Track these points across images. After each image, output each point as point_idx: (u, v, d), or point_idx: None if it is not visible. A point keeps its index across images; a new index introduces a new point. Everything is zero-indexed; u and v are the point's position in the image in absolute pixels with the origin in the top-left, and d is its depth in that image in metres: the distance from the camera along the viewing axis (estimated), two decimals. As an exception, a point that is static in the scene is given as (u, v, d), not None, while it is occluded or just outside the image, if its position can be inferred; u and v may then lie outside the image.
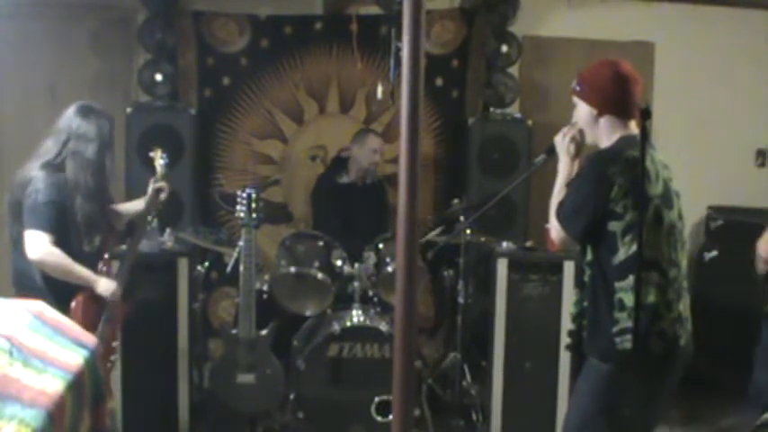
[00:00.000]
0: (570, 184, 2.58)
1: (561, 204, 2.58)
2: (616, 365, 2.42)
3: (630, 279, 2.39)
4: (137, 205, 3.44)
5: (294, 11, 4.96)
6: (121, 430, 3.64)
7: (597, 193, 2.44)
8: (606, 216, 2.43)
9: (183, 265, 3.88)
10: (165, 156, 3.47)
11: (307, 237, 4.29)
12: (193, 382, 4.07)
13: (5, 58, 4.55)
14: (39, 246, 2.92)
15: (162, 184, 3.41)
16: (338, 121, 5.03)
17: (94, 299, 3.09)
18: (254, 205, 3.70)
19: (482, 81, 4.98)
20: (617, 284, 2.43)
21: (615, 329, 2.42)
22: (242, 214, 3.71)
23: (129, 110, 4.55)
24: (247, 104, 4.94)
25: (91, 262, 3.13)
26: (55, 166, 3.03)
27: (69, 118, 3.09)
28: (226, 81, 4.92)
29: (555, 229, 2.58)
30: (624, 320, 2.40)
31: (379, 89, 4.19)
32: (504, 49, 4.84)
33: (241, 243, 3.75)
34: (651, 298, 2.40)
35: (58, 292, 2.95)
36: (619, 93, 2.57)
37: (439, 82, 5.03)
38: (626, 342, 2.39)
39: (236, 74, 4.91)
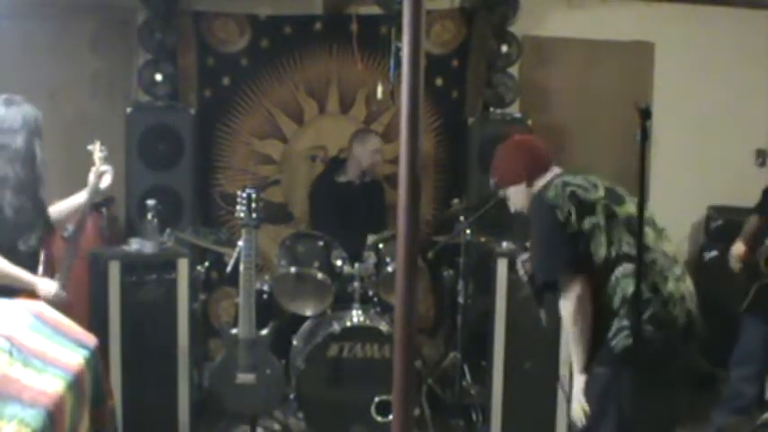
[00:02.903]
0: (530, 242, 2.67)
1: (535, 270, 2.62)
2: (614, 366, 2.42)
3: (612, 279, 2.43)
4: (76, 199, 3.34)
5: (294, 11, 4.95)
6: (121, 430, 3.64)
7: (552, 224, 2.52)
8: (573, 239, 2.49)
9: (183, 265, 3.87)
10: (103, 148, 3.39)
11: (307, 237, 4.29)
12: (193, 382, 4.07)
13: (5, 58, 4.54)
14: None
15: (105, 167, 3.31)
16: (338, 121, 5.03)
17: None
18: (254, 205, 3.70)
19: (482, 81, 4.98)
20: (608, 292, 2.45)
21: (610, 335, 2.43)
22: (242, 214, 3.70)
23: (129, 110, 4.55)
24: (247, 104, 4.94)
25: (27, 262, 3.01)
26: None
27: None
28: (226, 81, 4.91)
29: (564, 306, 2.53)
30: (616, 321, 2.42)
31: (379, 89, 4.20)
32: (504, 49, 4.84)
33: (241, 243, 3.75)
34: (630, 288, 2.39)
35: None
36: (525, 156, 2.75)
37: (439, 82, 5.03)
38: (620, 341, 2.40)
39: (236, 74, 4.90)
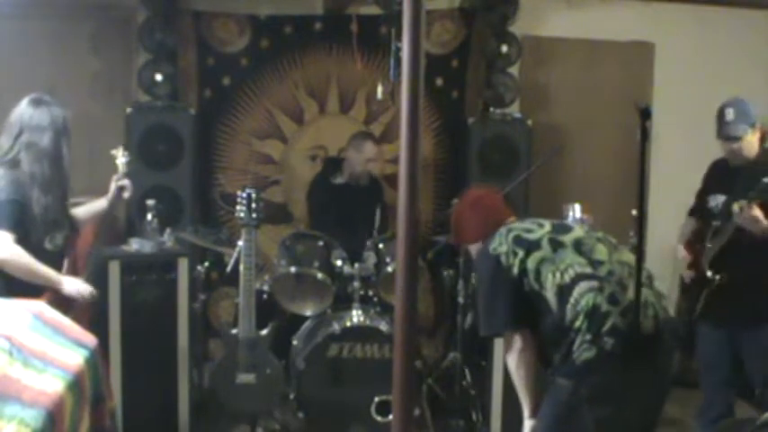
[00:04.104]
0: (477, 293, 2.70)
1: (479, 322, 2.65)
2: (575, 377, 2.44)
3: (571, 301, 2.45)
4: (98, 205, 3.39)
5: (294, 11, 4.95)
6: (121, 430, 3.64)
7: (493, 275, 2.56)
8: (520, 285, 2.52)
9: (183, 265, 3.87)
10: (126, 153, 3.44)
11: (307, 237, 4.29)
12: (193, 382, 4.08)
13: (5, 57, 4.54)
14: (2, 246, 2.85)
15: (124, 182, 3.37)
16: (338, 121, 5.03)
17: (59, 300, 2.97)
18: (254, 205, 3.70)
19: (482, 81, 4.98)
20: (568, 315, 2.45)
21: (574, 348, 2.44)
22: (242, 214, 3.71)
23: (129, 110, 4.55)
24: (247, 104, 4.94)
25: (53, 261, 3.03)
26: (11, 163, 2.96)
27: (21, 110, 3.01)
28: (226, 81, 4.91)
29: (508, 359, 2.61)
30: (579, 336, 2.43)
31: (379, 89, 4.18)
32: (504, 49, 4.84)
33: (241, 243, 3.75)
34: (589, 302, 2.43)
35: (19, 292, 2.80)
36: (480, 216, 2.79)
37: (439, 82, 5.03)
38: (581, 353, 2.42)
39: (236, 74, 4.91)
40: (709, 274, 3.42)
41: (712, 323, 3.45)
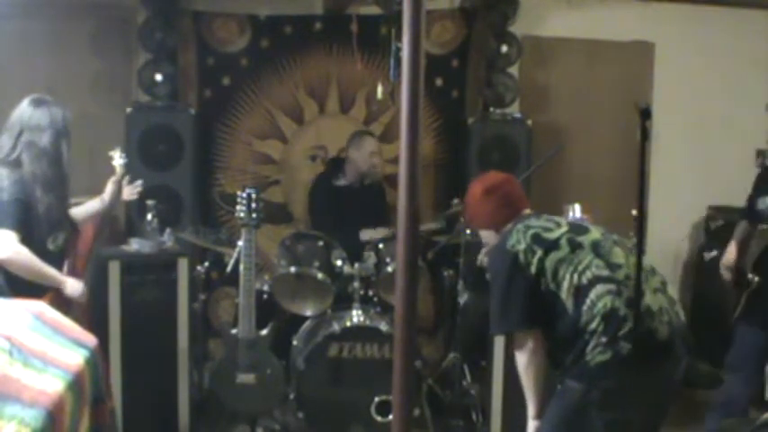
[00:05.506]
0: (490, 290, 2.64)
1: (491, 319, 2.60)
2: (587, 380, 2.42)
3: (587, 303, 2.43)
4: (94, 205, 3.41)
5: (294, 11, 4.95)
6: (121, 430, 3.64)
7: (510, 274, 2.51)
8: (536, 284, 2.49)
9: (183, 265, 3.87)
10: (123, 155, 3.46)
11: (307, 237, 4.29)
12: (193, 382, 4.08)
13: (5, 57, 4.54)
14: (6, 244, 2.85)
15: (135, 188, 3.41)
16: (338, 121, 5.03)
17: (60, 300, 3.00)
18: (254, 205, 3.70)
19: (482, 81, 4.98)
20: (584, 317, 2.43)
21: (587, 350, 2.43)
22: (242, 214, 3.70)
23: (129, 110, 4.55)
24: (247, 104, 4.94)
25: (55, 262, 3.05)
26: (13, 162, 2.97)
27: (21, 110, 3.02)
28: (226, 81, 4.91)
29: (518, 358, 2.60)
30: (594, 338, 2.41)
31: (379, 89, 4.18)
32: (504, 49, 4.84)
33: (241, 243, 3.75)
34: (607, 305, 2.41)
35: (22, 292, 2.82)
36: (495, 204, 2.73)
37: (439, 82, 5.03)
38: (595, 356, 2.40)
39: (236, 74, 4.91)
40: (749, 275, 3.44)
41: (752, 324, 3.47)
